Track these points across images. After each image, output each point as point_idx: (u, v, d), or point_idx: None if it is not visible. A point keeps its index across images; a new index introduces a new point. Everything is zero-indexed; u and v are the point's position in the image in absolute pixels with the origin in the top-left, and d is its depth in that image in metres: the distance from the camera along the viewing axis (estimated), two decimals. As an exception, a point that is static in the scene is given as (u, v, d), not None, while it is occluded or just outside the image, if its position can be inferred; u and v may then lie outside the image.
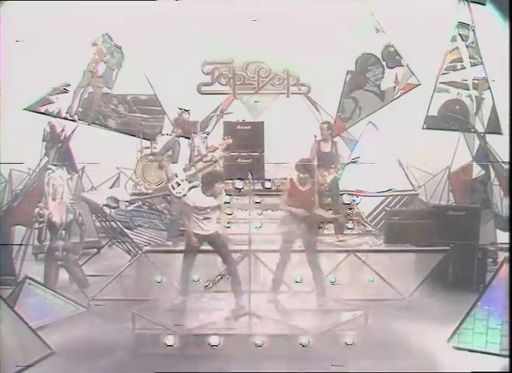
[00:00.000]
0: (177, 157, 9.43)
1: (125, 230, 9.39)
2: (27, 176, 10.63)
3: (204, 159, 9.65)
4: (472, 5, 10.90)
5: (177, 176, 9.34)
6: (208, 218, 7.84)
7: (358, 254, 8.84)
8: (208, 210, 7.81)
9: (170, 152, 9.58)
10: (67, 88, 11.02)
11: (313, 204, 8.05)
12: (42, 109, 11.03)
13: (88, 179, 11.97)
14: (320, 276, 7.95)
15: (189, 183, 9.19)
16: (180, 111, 10.42)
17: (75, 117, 11.19)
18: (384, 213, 10.24)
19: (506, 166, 9.95)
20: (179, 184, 9.30)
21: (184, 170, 9.38)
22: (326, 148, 10.11)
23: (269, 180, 9.70)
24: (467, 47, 11.11)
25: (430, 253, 8.78)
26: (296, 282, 8.22)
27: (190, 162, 9.45)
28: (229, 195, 8.61)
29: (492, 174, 10.70)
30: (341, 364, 6.43)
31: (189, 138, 9.59)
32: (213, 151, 9.80)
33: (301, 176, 8.05)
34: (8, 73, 9.62)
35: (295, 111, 11.34)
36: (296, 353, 6.74)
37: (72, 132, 11.20)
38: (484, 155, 10.73)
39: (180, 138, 9.51)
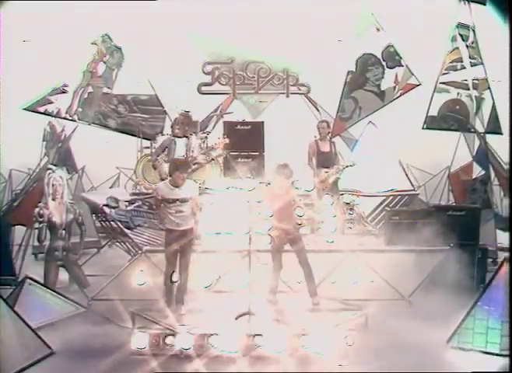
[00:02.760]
0: (173, 156, 9.44)
1: (125, 230, 9.39)
2: (27, 176, 10.63)
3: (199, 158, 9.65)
4: (472, 4, 10.91)
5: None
6: (180, 212, 7.55)
7: (358, 254, 8.84)
8: (178, 202, 7.50)
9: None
10: (65, 88, 11.04)
11: (294, 205, 7.93)
12: (41, 110, 11.05)
13: (88, 179, 11.98)
14: (311, 276, 7.93)
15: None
16: (181, 111, 10.45)
17: (75, 117, 11.21)
18: (384, 213, 10.25)
19: (506, 166, 9.96)
20: None
21: None
22: (325, 147, 10.09)
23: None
24: (467, 47, 11.12)
25: (430, 253, 8.78)
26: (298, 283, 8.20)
27: None
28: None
29: (492, 174, 10.70)
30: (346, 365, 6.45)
31: (187, 137, 9.61)
32: (209, 150, 9.84)
33: (282, 178, 7.87)
34: (8, 73, 9.63)
35: (295, 111, 11.36)
36: (296, 353, 6.74)
37: (72, 132, 11.21)
38: (484, 155, 10.73)
39: (177, 138, 9.52)
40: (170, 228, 7.62)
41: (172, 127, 9.94)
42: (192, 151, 9.54)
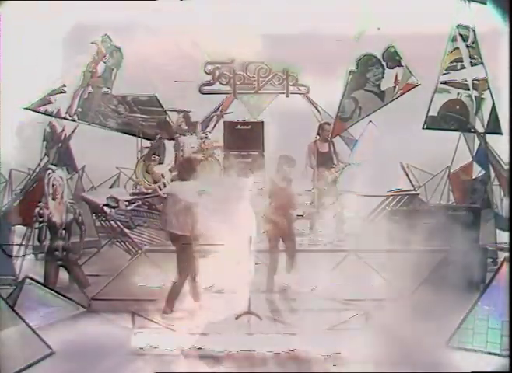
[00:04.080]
0: (163, 158, 9.54)
1: (125, 230, 9.40)
2: (27, 176, 10.64)
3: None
4: (472, 4, 10.90)
5: (163, 177, 9.43)
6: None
7: (358, 254, 8.85)
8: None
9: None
10: (65, 88, 11.04)
11: (294, 200, 7.97)
12: (41, 110, 11.04)
13: (88, 179, 11.98)
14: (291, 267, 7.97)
15: None
16: (182, 114, 10.53)
17: (75, 117, 11.20)
18: (384, 213, 10.26)
19: (506, 166, 9.96)
20: (165, 185, 9.38)
21: (170, 171, 9.46)
22: (324, 148, 10.14)
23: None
24: (467, 47, 11.11)
25: (430, 253, 8.78)
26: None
27: (175, 162, 9.58)
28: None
29: (492, 174, 10.70)
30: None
31: (173, 139, 9.70)
32: (199, 151, 9.97)
33: (286, 168, 7.89)
34: (8, 73, 9.63)
35: (295, 111, 11.35)
36: (296, 353, 6.74)
37: (72, 132, 11.21)
38: (484, 155, 10.74)
39: (165, 140, 9.63)
40: (171, 230, 7.53)
41: (159, 128, 10.09)
42: (182, 152, 9.62)
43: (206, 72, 11.26)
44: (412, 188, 11.09)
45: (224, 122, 10.95)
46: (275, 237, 7.94)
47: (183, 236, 7.48)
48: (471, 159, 11.09)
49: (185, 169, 7.73)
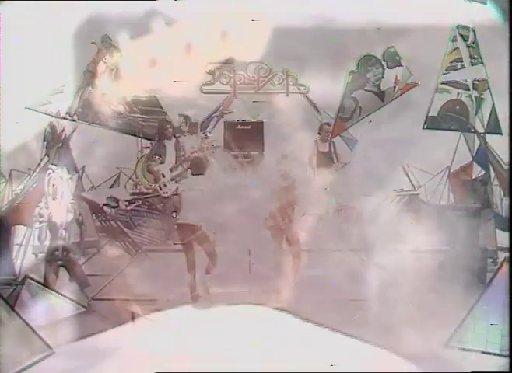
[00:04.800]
0: (164, 158, 9.59)
1: (125, 229, 9.40)
2: (27, 176, 10.64)
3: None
4: (472, 4, 10.89)
5: (163, 177, 9.48)
6: None
7: (358, 254, 8.85)
8: None
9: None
10: (63, 88, 11.04)
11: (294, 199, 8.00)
12: (42, 110, 11.04)
13: (88, 179, 11.98)
14: (296, 268, 7.98)
15: (176, 182, 9.32)
16: (182, 118, 10.56)
17: (75, 117, 11.21)
18: (383, 213, 10.24)
19: (506, 166, 9.96)
20: (166, 184, 9.42)
21: (171, 170, 9.51)
22: (324, 148, 10.14)
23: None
24: (467, 47, 11.11)
25: (430, 253, 8.78)
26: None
27: (176, 162, 9.63)
28: None
29: (492, 174, 10.69)
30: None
31: (175, 137, 9.74)
32: (196, 151, 9.97)
33: (278, 162, 7.99)
34: (8, 73, 9.63)
35: (295, 111, 11.34)
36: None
37: (72, 132, 11.21)
38: (484, 155, 10.73)
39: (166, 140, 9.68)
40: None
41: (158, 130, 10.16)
42: (183, 151, 9.66)
43: (207, 72, 11.27)
44: (412, 188, 11.09)
45: (224, 122, 10.95)
46: (278, 238, 7.93)
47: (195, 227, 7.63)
48: (471, 159, 11.08)
49: (198, 164, 7.91)
